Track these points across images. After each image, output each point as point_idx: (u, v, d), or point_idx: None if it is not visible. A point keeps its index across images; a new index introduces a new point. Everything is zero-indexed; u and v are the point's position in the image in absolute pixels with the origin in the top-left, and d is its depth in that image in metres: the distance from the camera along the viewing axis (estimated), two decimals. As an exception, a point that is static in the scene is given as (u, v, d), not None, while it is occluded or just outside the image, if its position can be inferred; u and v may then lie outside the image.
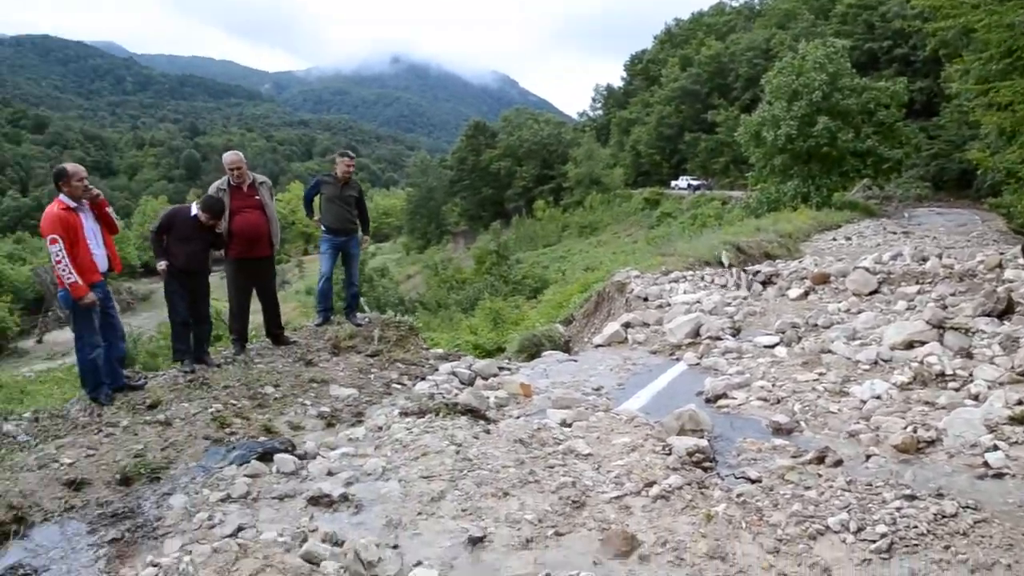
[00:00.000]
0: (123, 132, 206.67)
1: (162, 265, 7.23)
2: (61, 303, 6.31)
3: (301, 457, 5.33)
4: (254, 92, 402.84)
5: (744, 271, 12.98)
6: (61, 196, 6.14)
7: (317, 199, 9.02)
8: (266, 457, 5.23)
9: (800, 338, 8.70)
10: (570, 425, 6.05)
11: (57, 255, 5.95)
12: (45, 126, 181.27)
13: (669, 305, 11.18)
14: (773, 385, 6.98)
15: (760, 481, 4.71)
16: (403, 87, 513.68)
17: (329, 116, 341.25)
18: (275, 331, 8.35)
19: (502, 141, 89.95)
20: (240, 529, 4.15)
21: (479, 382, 7.99)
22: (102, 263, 6.38)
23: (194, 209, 7.39)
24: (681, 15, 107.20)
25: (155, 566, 3.76)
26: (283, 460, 5.14)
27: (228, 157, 7.84)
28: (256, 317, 8.46)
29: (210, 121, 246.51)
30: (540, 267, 46.53)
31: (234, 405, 6.37)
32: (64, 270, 5.96)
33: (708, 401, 6.78)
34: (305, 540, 3.95)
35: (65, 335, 66.05)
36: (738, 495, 4.50)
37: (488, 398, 6.80)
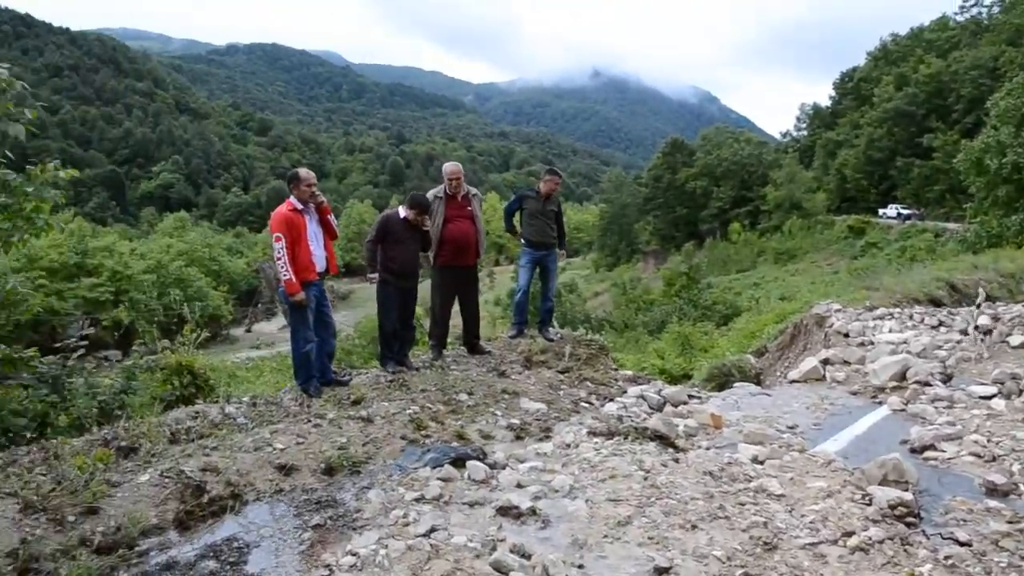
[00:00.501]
0: (336, 137, 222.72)
1: (374, 277, 7.64)
2: (280, 297, 6.89)
3: (491, 466, 5.48)
4: (458, 102, 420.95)
5: (975, 310, 11.96)
6: (291, 198, 6.72)
7: (518, 213, 9.29)
8: (458, 462, 5.42)
9: (1022, 391, 7.91)
10: (762, 462, 5.83)
11: (279, 252, 6.53)
12: (269, 129, 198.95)
13: (872, 344, 10.49)
14: (988, 440, 6.37)
15: (970, 545, 4.32)
16: (602, 100, 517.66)
17: (528, 128, 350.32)
18: (472, 340, 8.67)
19: (699, 159, 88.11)
20: (433, 530, 4.32)
21: (668, 408, 7.87)
22: (320, 264, 6.91)
23: (402, 211, 7.80)
24: (899, 30, 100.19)
25: (353, 555, 3.99)
26: (475, 467, 5.31)
27: (448, 167, 8.26)
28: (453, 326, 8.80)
29: (415, 129, 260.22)
30: (732, 293, 45.17)
31: (430, 409, 6.66)
32: (282, 267, 6.53)
33: (913, 451, 6.30)
34: (494, 549, 4.05)
35: (271, 326, 72.02)
36: (945, 557, 4.15)
37: (677, 426, 6.69)
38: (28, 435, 6.10)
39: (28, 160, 6.50)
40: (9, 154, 6.32)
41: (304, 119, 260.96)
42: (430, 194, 8.16)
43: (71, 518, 4.28)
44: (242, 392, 8.58)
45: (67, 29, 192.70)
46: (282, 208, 6.70)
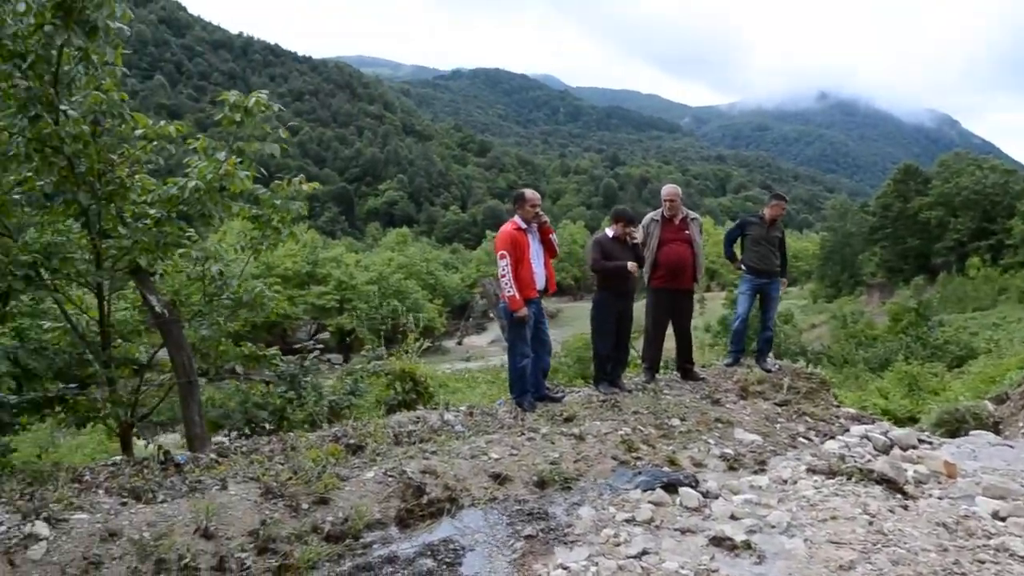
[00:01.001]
0: (551, 159, 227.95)
1: (634, 265, 7.62)
2: (501, 313, 7.19)
3: (704, 495, 5.39)
4: (674, 125, 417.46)
5: None
6: (516, 217, 7.01)
7: (739, 240, 9.11)
8: (670, 488, 5.37)
9: None
10: (1004, 519, 5.30)
11: (503, 270, 6.85)
12: (487, 150, 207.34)
13: None
14: None
15: None
16: (827, 124, 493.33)
17: (747, 152, 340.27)
18: (686, 365, 8.58)
19: (935, 188, 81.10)
20: (644, 552, 4.32)
21: (896, 451, 7.35)
22: (540, 281, 7.16)
23: (609, 231, 7.89)
24: None
25: (564, 568, 4.08)
26: (688, 494, 5.24)
27: (667, 189, 8.31)
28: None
29: (630, 152, 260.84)
30: (967, 333, 41.33)
31: (641, 432, 6.66)
32: (506, 284, 6.83)
33: None
34: (707, 579, 3.99)
35: (481, 340, 74.69)
36: None
37: (906, 471, 6.24)
38: (268, 426, 6.76)
39: (273, 176, 7.21)
40: (263, 170, 7.05)
41: (521, 141, 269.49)
42: (647, 218, 8.22)
43: (305, 506, 4.69)
44: (458, 401, 9.01)
45: (309, 57, 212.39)
46: (507, 227, 7.03)
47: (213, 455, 5.63)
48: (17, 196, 6.24)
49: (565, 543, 4.50)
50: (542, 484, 5.40)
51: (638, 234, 7.98)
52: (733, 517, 5.01)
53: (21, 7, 5.19)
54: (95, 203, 6.04)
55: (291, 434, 5.95)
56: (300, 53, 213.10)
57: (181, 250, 6.60)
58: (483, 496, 5.12)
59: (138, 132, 6.19)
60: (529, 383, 7.06)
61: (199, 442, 5.95)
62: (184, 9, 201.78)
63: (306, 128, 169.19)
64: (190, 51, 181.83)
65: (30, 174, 6.02)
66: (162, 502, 4.70)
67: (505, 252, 6.89)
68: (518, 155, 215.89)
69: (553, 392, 7.50)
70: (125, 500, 4.71)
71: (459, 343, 73.73)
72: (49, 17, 5.08)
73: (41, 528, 4.17)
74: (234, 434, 7.23)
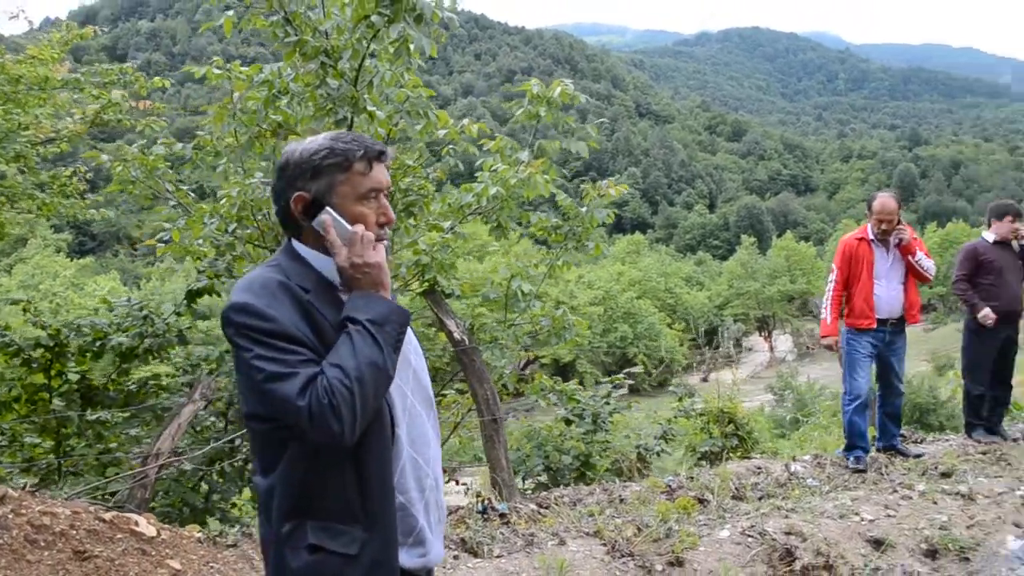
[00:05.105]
0: (827, 140, 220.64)
1: (987, 315, 7.51)
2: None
3: None
4: (997, 87, 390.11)
5: None
6: (867, 224, 7.08)
7: None
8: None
9: None
10: None
11: (827, 287, 7.06)
12: (743, 133, 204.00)
13: None
14: None
15: None
16: None
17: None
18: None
19: None
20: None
21: None
22: (886, 308, 7.06)
23: (988, 236, 7.73)
24: None
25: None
26: None
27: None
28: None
29: (936, 127, 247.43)
30: None
31: (1044, 494, 6.54)
32: (825, 304, 7.03)
33: None
34: None
35: (729, 377, 72.64)
36: None
37: None
38: (571, 473, 7.26)
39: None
40: (565, 173, 7.57)
41: (787, 119, 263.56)
42: None
43: (659, 567, 5.06)
44: (771, 448, 9.18)
45: (522, 28, 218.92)
46: (849, 235, 7.30)
47: (533, 505, 6.16)
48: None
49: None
50: (932, 553, 5.47)
51: None
52: None
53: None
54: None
55: (615, 483, 6.37)
56: (511, 24, 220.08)
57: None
58: (863, 565, 5.27)
59: (442, 133, 6.88)
60: (857, 435, 7.10)
61: (507, 489, 6.49)
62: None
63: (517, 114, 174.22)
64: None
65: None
66: (498, 556, 5.23)
67: (835, 266, 7.07)
68: (783, 137, 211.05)
69: (905, 448, 7.44)
70: (457, 554, 5.29)
71: (704, 379, 72.17)
72: (374, 7, 5.78)
73: None
74: (529, 482, 7.78)
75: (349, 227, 2.21)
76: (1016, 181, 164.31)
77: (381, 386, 2.13)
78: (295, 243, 2.31)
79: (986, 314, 7.48)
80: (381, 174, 2.32)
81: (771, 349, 79.96)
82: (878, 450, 7.40)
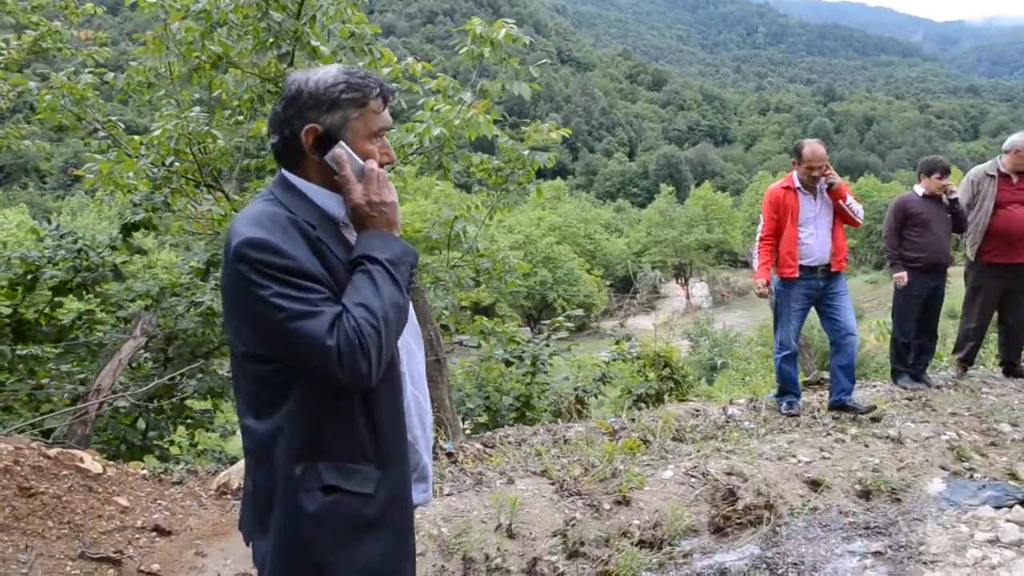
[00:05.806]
0: (745, 93, 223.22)
1: (901, 277, 7.85)
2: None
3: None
4: (910, 47, 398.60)
5: None
6: (793, 173, 7.15)
7: None
8: (1025, 505, 5.49)
9: None
10: None
11: (757, 236, 7.16)
12: (663, 83, 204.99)
13: None
14: None
15: None
16: None
17: (1011, 82, 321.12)
18: (1011, 359, 8.51)
19: None
20: (1026, 581, 4.51)
21: None
22: (815, 254, 7.05)
23: (919, 189, 7.91)
24: None
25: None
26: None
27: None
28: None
29: (850, 83, 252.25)
30: None
31: (965, 437, 6.78)
32: (753, 253, 7.16)
33: None
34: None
35: (647, 322, 73.87)
36: None
37: None
38: (510, 414, 7.31)
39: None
40: (505, 114, 7.52)
41: (707, 70, 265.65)
42: (979, 169, 8.17)
43: (607, 506, 5.14)
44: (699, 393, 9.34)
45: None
46: (775, 184, 7.37)
47: (479, 445, 6.19)
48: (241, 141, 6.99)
49: (923, 563, 4.74)
50: (866, 494, 5.65)
51: (950, 186, 7.87)
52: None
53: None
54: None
55: (558, 423, 6.43)
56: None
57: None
58: (801, 504, 5.42)
59: (386, 71, 6.75)
60: (789, 382, 7.26)
61: (452, 429, 6.50)
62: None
63: (439, 57, 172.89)
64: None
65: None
66: (448, 495, 5.25)
67: (764, 216, 7.15)
68: (702, 88, 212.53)
69: (856, 404, 7.36)
70: (408, 490, 5.29)
71: (621, 325, 72.90)
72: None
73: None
74: (469, 422, 7.81)
75: (363, 163, 2.16)
76: (925, 138, 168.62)
77: (401, 327, 2.12)
78: (290, 175, 2.24)
79: (900, 276, 7.85)
80: (388, 114, 2.28)
81: (688, 296, 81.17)
82: (829, 408, 7.30)
